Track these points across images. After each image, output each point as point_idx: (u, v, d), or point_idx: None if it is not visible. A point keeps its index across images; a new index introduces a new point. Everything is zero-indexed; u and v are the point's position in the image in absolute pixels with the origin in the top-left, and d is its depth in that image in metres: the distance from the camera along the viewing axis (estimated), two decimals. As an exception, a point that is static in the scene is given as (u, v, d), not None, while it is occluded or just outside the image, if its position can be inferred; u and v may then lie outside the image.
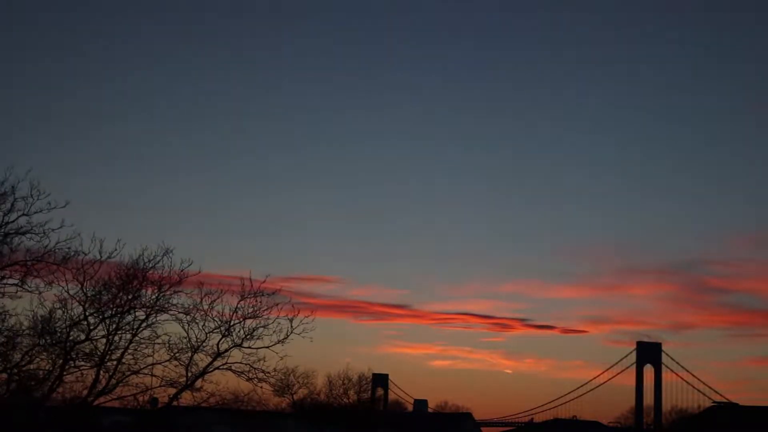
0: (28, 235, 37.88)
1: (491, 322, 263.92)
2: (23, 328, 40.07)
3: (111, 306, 41.15)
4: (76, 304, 40.57)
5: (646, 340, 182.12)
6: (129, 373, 41.54)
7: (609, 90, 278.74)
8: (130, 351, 41.43)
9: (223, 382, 43.62)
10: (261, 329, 42.91)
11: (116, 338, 41.35)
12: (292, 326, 42.80)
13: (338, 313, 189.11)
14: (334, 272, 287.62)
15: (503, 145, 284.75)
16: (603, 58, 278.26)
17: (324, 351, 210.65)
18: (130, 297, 41.47)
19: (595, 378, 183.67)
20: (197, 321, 42.43)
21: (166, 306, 41.97)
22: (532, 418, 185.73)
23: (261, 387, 43.69)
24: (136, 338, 41.53)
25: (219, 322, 42.76)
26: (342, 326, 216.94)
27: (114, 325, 41.20)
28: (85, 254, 39.60)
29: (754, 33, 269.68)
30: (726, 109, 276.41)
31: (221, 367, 43.12)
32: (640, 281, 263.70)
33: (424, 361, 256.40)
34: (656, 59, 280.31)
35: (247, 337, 42.90)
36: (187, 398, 43.21)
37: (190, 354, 42.40)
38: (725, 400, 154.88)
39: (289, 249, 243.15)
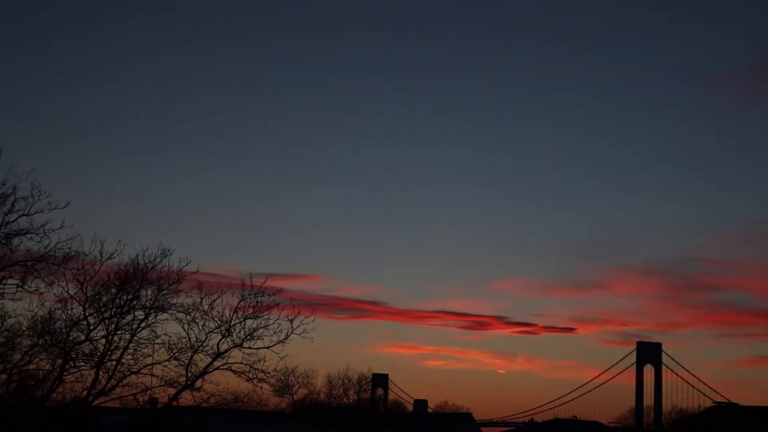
0: (29, 236, 37.90)
1: (479, 321, 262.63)
2: (23, 328, 40.18)
3: (110, 306, 41.21)
4: (76, 304, 40.69)
5: (638, 339, 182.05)
6: (129, 373, 41.63)
7: (597, 90, 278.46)
8: (129, 351, 41.53)
9: (223, 383, 43.74)
10: (261, 329, 43.01)
11: (116, 338, 41.45)
12: (292, 326, 42.92)
13: (329, 313, 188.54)
14: (322, 271, 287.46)
15: (493, 145, 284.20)
16: (594, 59, 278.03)
17: (320, 351, 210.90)
18: (129, 297, 41.52)
19: (595, 378, 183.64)
20: (197, 321, 42.54)
21: (165, 305, 42.05)
22: (533, 418, 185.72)
23: (261, 387, 43.76)
24: (136, 338, 41.63)
25: (219, 322, 42.84)
26: (334, 326, 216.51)
27: (113, 326, 41.26)
28: (86, 255, 39.70)
29: (749, 33, 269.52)
30: (723, 107, 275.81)
31: (221, 368, 43.16)
32: (630, 280, 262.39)
33: (416, 360, 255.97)
34: (647, 59, 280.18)
35: (248, 337, 42.95)
36: (186, 398, 43.28)
37: (189, 354, 42.46)
38: (725, 400, 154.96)
39: (276, 248, 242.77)
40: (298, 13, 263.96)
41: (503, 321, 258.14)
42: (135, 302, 41.64)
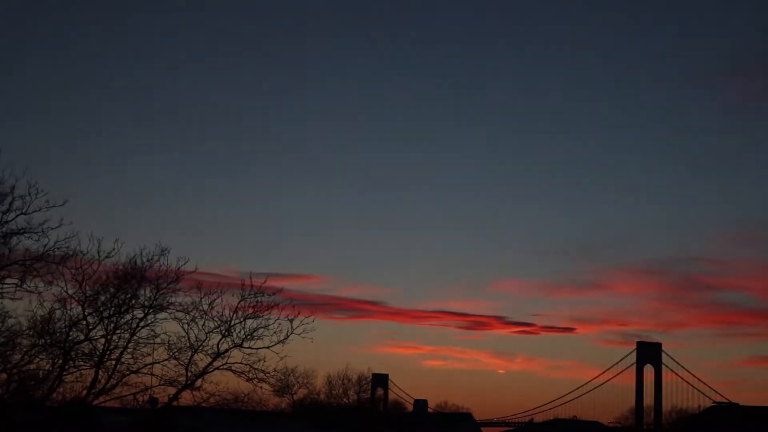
0: (27, 235, 37.88)
1: (479, 321, 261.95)
2: (23, 328, 40.14)
3: (109, 305, 41.17)
4: (75, 304, 40.66)
5: (638, 339, 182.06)
6: (128, 372, 41.59)
7: (597, 90, 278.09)
8: (129, 350, 41.52)
9: (223, 382, 43.71)
10: (261, 329, 42.98)
11: (115, 338, 41.43)
12: (292, 326, 42.88)
13: (328, 313, 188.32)
14: (322, 271, 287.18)
15: (492, 145, 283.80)
16: (594, 59, 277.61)
17: (320, 351, 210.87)
18: (128, 296, 41.48)
19: (595, 378, 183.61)
20: (197, 321, 42.50)
21: (164, 305, 42.01)
22: (532, 418, 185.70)
23: (261, 387, 43.72)
24: (135, 338, 41.60)
25: (219, 322, 42.80)
26: (334, 326, 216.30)
27: (113, 325, 41.22)
28: (84, 254, 39.69)
29: (750, 32, 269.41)
30: (723, 107, 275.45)
31: (221, 367, 43.12)
32: (630, 280, 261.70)
33: (416, 360, 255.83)
34: (648, 59, 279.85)
35: (248, 337, 42.92)
36: (186, 398, 43.25)
37: (189, 354, 42.42)
38: (725, 400, 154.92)
39: (276, 248, 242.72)
40: (298, 13, 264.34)
41: (502, 321, 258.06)
42: (134, 301, 41.64)
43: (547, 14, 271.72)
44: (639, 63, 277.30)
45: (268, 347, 43.05)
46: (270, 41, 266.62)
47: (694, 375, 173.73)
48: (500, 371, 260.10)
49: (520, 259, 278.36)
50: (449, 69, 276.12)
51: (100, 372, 41.17)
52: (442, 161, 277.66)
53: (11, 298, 38.72)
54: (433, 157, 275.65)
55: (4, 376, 40.19)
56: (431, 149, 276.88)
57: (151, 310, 41.77)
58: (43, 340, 40.43)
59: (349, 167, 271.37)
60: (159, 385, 42.30)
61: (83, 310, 40.64)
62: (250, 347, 43.02)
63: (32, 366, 40.75)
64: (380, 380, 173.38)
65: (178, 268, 41.97)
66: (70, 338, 40.50)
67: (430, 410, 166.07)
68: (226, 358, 43.06)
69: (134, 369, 41.61)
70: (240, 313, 42.90)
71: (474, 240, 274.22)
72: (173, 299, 42.28)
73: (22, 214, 37.46)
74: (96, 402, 42.05)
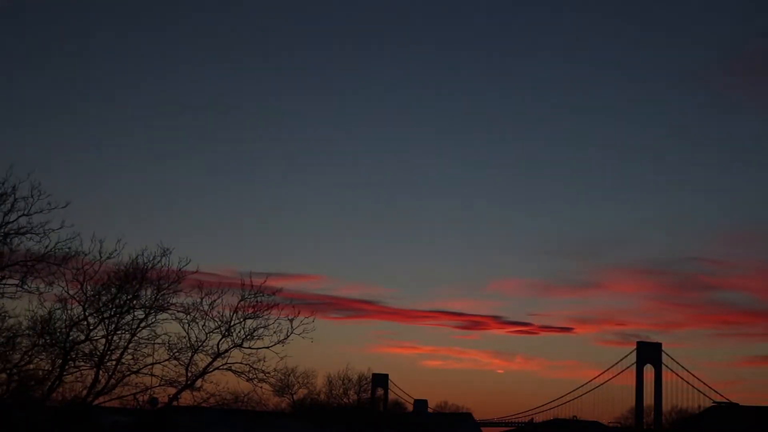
0: (28, 236, 37.94)
1: (477, 321, 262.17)
2: (23, 328, 40.15)
3: (110, 306, 41.17)
4: (76, 304, 40.65)
5: (637, 339, 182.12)
6: (129, 372, 41.59)
7: (595, 89, 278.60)
8: (129, 351, 41.48)
9: (223, 382, 43.71)
10: (261, 329, 43.00)
11: (116, 338, 41.41)
12: (292, 326, 42.92)
13: (327, 312, 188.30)
14: (321, 271, 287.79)
15: (490, 144, 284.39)
16: (591, 58, 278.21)
17: (319, 351, 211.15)
18: (129, 297, 41.50)
19: (595, 378, 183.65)
20: (197, 321, 42.50)
21: (165, 305, 42.02)
22: (532, 418, 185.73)
23: (261, 387, 43.73)
24: (136, 338, 41.59)
25: (219, 322, 42.81)
26: (332, 326, 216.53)
27: (113, 325, 41.23)
28: (86, 254, 39.72)
29: (750, 32, 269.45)
30: (723, 107, 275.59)
31: (221, 367, 43.13)
32: (628, 280, 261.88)
33: (415, 360, 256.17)
34: (646, 59, 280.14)
35: (248, 337, 42.92)
36: (186, 398, 43.26)
37: (189, 354, 42.43)
38: (725, 400, 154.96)
39: (276, 248, 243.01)
40: (300, 22, 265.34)
41: (501, 321, 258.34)
42: (135, 302, 41.61)
43: (545, 16, 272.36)
44: (638, 63, 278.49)
45: (268, 347, 43.08)
46: (271, 43, 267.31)
47: (693, 375, 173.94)
48: (499, 371, 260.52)
49: (518, 259, 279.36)
50: (448, 73, 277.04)
51: (101, 372, 41.19)
52: (439, 162, 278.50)
53: (12, 298, 38.83)
54: (430, 158, 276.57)
55: (4, 376, 40.20)
56: (429, 151, 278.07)
57: (152, 311, 41.81)
58: (43, 340, 40.42)
59: (348, 168, 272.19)
60: (159, 385, 42.38)
61: (84, 310, 40.67)
62: (250, 347, 43.04)
63: (32, 366, 40.75)
64: (380, 380, 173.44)
65: (180, 269, 42.06)
66: (70, 338, 40.50)
67: (430, 410, 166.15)
68: (226, 358, 43.10)
69: (134, 369, 41.58)
70: (240, 313, 42.93)
71: (472, 240, 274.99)
72: (174, 300, 42.37)
73: (24, 215, 37.60)
74: (96, 402, 42.02)
